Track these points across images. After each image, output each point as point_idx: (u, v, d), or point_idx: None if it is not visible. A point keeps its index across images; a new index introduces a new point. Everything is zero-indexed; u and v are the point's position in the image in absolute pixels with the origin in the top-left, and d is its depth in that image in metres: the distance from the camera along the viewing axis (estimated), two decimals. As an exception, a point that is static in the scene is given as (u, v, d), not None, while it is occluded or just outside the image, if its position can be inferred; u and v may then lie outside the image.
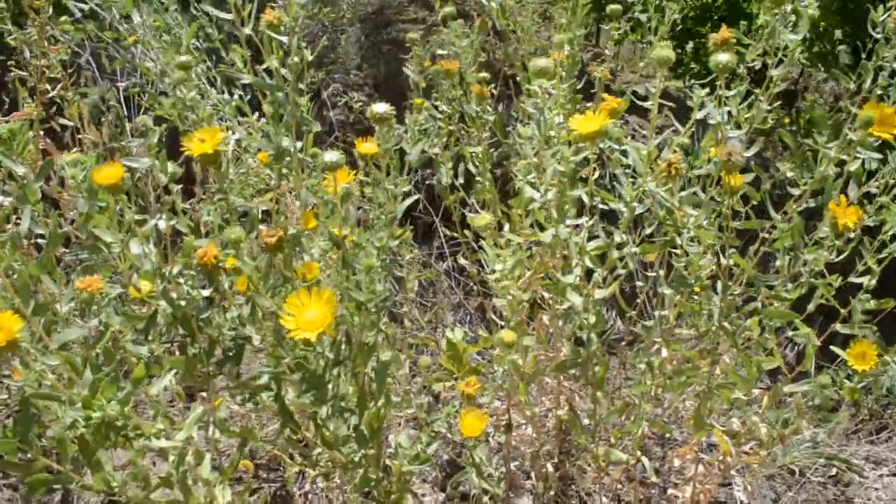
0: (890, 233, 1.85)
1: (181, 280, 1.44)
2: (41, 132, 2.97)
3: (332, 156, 1.44)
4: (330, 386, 1.50)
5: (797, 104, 4.68)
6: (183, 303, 1.45)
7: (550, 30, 2.26)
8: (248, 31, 1.59)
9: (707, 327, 1.88)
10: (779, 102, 2.14)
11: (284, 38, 1.55)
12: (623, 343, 3.04)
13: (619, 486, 2.78)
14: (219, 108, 2.29)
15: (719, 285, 1.80)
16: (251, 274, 1.41)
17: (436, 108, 2.34)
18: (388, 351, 1.76)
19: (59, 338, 1.39)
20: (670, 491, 2.80)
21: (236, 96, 2.32)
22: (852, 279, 1.97)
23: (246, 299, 1.48)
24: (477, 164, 2.41)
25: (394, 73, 3.74)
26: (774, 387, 2.39)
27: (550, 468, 2.73)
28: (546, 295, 2.49)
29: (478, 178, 2.37)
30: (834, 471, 2.89)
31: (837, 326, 2.03)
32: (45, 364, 1.34)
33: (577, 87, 2.36)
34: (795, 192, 1.74)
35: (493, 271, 1.96)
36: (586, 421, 2.25)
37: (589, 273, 1.85)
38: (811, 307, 2.05)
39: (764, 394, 2.48)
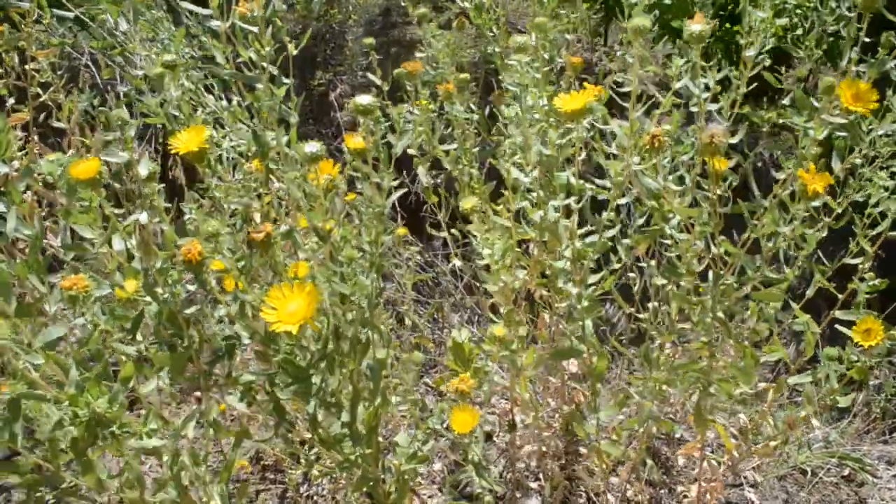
0: (879, 209, 1.84)
1: (164, 275, 1.43)
2: (35, 136, 2.99)
3: (312, 147, 1.43)
4: (315, 380, 1.48)
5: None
6: (167, 297, 1.45)
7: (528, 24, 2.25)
8: (226, 24, 1.59)
9: (701, 318, 1.85)
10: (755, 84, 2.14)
11: (255, 28, 1.54)
12: (623, 339, 3.02)
13: (628, 485, 2.75)
14: (217, 115, 2.28)
15: (710, 274, 1.78)
16: (232, 268, 1.40)
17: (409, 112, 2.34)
18: (384, 349, 1.75)
19: (43, 336, 1.38)
20: (680, 489, 2.77)
21: (234, 102, 2.32)
22: (847, 261, 1.96)
23: (233, 296, 1.47)
24: (463, 162, 2.40)
25: (396, 78, 3.72)
26: (779, 380, 2.36)
27: (556, 468, 2.70)
28: (545, 293, 2.47)
29: (456, 175, 2.36)
30: (847, 471, 2.84)
31: (837, 312, 2.01)
32: (30, 363, 1.33)
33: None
34: (781, 175, 1.72)
35: (482, 257, 1.95)
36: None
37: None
38: (810, 292, 2.03)
39: (769, 387, 2.45)
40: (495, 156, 2.23)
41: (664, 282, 2.01)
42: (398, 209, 3.42)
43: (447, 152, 2.32)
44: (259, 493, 2.87)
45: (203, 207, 1.55)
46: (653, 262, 2.00)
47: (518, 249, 2.19)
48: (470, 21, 2.67)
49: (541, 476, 2.85)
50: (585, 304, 1.82)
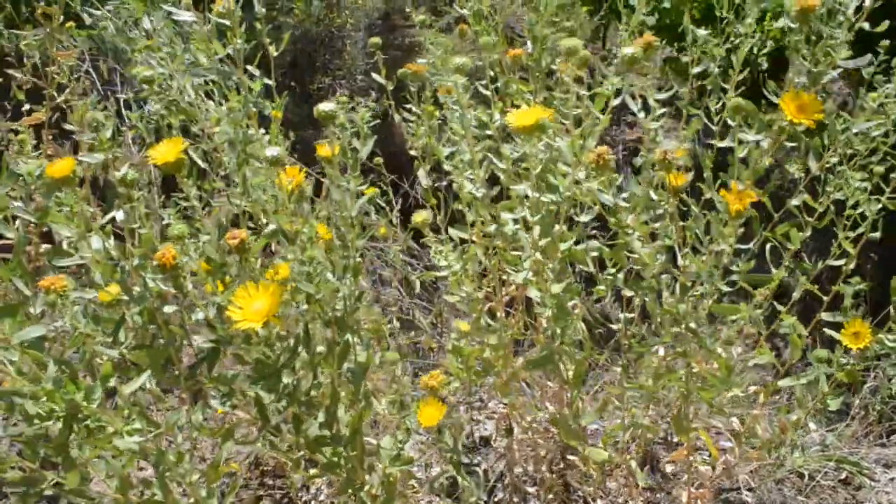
0: (859, 210, 1.84)
1: (140, 272, 1.46)
2: (49, 137, 3.03)
3: (273, 150, 1.47)
4: (286, 379, 1.50)
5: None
6: (143, 293, 1.47)
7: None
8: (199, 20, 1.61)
9: (669, 328, 1.86)
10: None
11: (227, 22, 1.56)
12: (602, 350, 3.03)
13: (626, 490, 2.75)
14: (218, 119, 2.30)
15: (678, 286, 1.79)
16: (199, 271, 1.43)
17: (410, 110, 2.36)
18: (364, 352, 1.76)
19: (21, 335, 1.41)
20: (675, 493, 2.77)
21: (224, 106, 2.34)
22: (830, 262, 1.96)
23: (207, 300, 1.50)
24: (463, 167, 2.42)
25: (401, 78, 3.74)
26: (768, 383, 2.36)
27: (548, 473, 2.71)
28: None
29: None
30: (844, 474, 2.83)
31: (823, 315, 2.01)
32: (6, 359, 1.36)
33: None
34: (740, 185, 1.73)
35: (440, 269, 1.98)
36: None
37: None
38: (796, 295, 2.03)
39: (760, 391, 2.45)
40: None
41: (631, 294, 2.02)
42: (399, 212, 3.44)
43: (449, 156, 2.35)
44: (259, 499, 2.88)
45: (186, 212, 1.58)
46: (620, 275, 2.01)
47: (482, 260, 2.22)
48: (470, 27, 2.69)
49: (538, 480, 2.85)
50: (551, 312, 1.83)
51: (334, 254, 1.59)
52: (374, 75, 2.42)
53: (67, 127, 3.06)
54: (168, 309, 1.51)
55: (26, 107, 2.98)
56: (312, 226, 1.46)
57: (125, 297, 1.50)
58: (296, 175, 1.44)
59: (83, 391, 1.41)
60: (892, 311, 2.02)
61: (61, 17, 3.02)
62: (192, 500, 1.88)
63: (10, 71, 3.07)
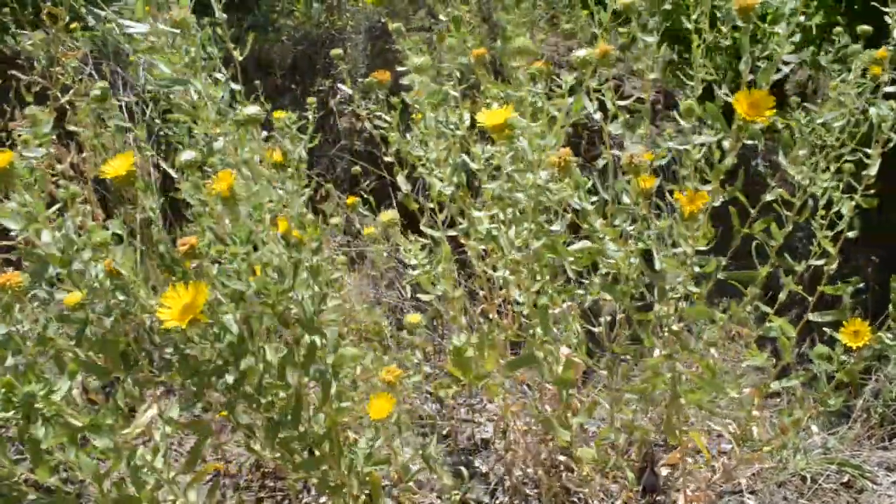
0: (836, 208, 1.81)
1: (92, 265, 1.48)
2: (54, 137, 3.06)
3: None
4: (229, 378, 1.51)
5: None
6: (94, 284, 1.49)
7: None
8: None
9: (649, 332, 1.84)
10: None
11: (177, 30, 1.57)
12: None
13: (625, 492, 2.72)
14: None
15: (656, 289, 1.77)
16: (128, 275, 1.45)
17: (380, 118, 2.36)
18: (332, 355, 1.75)
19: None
20: (673, 495, 2.73)
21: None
22: (812, 262, 1.93)
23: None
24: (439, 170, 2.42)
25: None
26: (760, 384, 2.32)
27: (544, 476, 2.69)
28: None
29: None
30: (846, 477, 2.78)
31: (810, 315, 1.98)
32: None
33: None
34: (706, 188, 1.69)
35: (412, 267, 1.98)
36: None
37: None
38: (782, 296, 2.00)
39: (755, 392, 2.40)
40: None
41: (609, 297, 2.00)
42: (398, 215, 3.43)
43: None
44: (260, 500, 2.89)
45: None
46: (596, 280, 1.98)
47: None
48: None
49: (538, 483, 2.83)
50: (528, 310, 1.81)
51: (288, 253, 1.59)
52: (340, 85, 2.43)
53: (71, 128, 3.10)
54: (120, 297, 1.52)
55: (31, 101, 3.01)
56: (242, 227, 1.46)
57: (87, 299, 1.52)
58: (227, 178, 1.44)
59: (43, 382, 1.42)
60: (891, 309, 1.98)
61: (66, 18, 3.06)
62: (172, 497, 1.89)
63: (13, 72, 3.11)
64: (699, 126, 1.71)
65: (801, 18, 1.73)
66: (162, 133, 2.49)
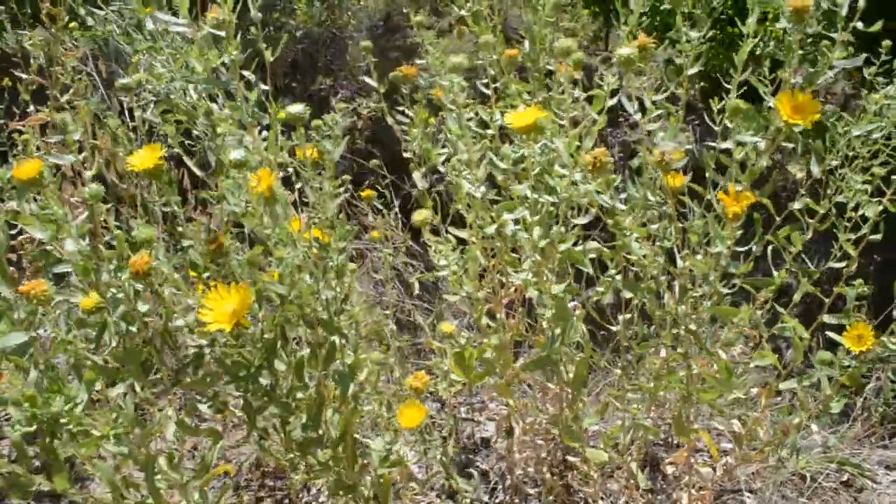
0: (861, 212, 1.82)
1: (116, 274, 1.46)
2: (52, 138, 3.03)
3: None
4: (263, 381, 1.50)
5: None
6: (120, 295, 1.47)
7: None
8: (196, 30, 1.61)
9: (668, 330, 1.85)
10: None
11: (223, 33, 1.56)
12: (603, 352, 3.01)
13: (627, 492, 2.73)
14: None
15: (676, 287, 1.78)
16: (169, 274, 1.43)
17: (403, 113, 2.35)
18: (351, 354, 1.75)
19: (2, 342, 1.41)
20: (675, 495, 2.75)
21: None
22: (832, 265, 1.94)
23: (185, 306, 1.51)
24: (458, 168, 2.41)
25: (392, 81, 3.74)
26: (769, 384, 2.33)
27: (549, 475, 2.69)
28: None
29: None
30: (846, 476, 2.80)
31: (825, 317, 1.99)
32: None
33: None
34: (738, 187, 1.70)
35: (440, 269, 1.97)
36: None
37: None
38: (797, 297, 2.01)
39: (762, 392, 2.42)
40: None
41: (631, 295, 2.01)
42: (399, 213, 3.44)
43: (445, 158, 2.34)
44: (260, 500, 2.89)
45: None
46: (618, 277, 1.99)
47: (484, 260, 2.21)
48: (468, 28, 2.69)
49: (539, 482, 2.84)
50: (552, 312, 1.82)
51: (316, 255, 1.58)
52: (366, 78, 2.41)
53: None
54: (142, 307, 1.51)
55: (31, 108, 2.98)
56: (283, 228, 1.45)
57: (105, 303, 1.50)
58: (267, 178, 1.43)
59: (65, 397, 1.41)
60: (894, 313, 2.00)
61: (66, 18, 3.03)
62: (184, 502, 1.89)
63: (14, 71, 3.08)
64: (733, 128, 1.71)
65: (860, 25, 1.73)
66: (162, 133, 2.48)
